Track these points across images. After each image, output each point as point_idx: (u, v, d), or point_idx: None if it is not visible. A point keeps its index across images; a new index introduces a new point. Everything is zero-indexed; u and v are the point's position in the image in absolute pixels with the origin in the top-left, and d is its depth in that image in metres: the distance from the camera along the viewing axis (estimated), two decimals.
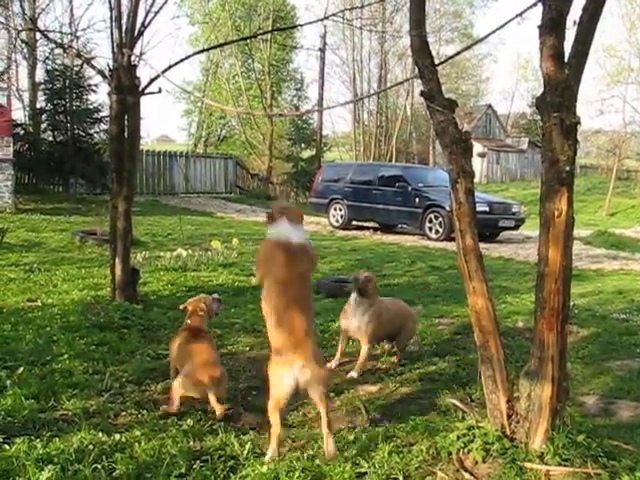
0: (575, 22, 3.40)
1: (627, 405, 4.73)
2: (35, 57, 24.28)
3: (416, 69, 3.89)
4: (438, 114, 3.72)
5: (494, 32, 4.16)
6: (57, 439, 3.74)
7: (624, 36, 41.23)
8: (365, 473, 3.45)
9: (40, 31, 10.26)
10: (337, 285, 8.63)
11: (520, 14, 3.76)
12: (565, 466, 3.40)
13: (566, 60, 3.37)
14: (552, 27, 3.29)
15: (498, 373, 3.72)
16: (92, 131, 22.56)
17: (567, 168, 3.38)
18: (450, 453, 3.67)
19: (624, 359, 5.91)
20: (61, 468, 3.36)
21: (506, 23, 3.86)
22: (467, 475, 3.45)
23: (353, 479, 3.38)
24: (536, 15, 3.39)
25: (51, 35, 11.32)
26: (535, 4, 3.47)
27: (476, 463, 3.56)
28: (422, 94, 3.79)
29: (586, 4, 3.41)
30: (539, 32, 3.34)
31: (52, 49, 22.47)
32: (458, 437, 3.73)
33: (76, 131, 21.94)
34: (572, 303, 6.36)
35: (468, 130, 3.95)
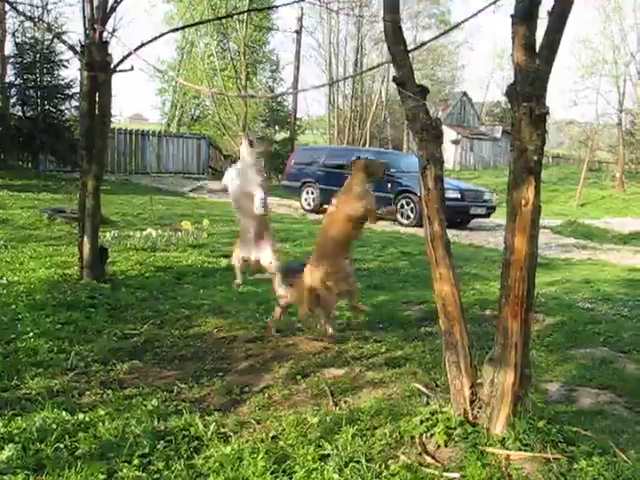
0: (548, 12, 3.42)
1: (589, 392, 4.80)
2: (4, 29, 23.78)
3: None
4: (409, 100, 3.72)
5: (466, 20, 4.17)
6: (19, 418, 3.72)
7: (599, 28, 41.70)
8: (328, 455, 3.47)
9: (8, 2, 10.02)
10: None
11: (494, 2, 3.77)
12: (525, 451, 3.46)
13: (537, 50, 3.38)
14: (524, 17, 3.30)
15: (462, 359, 3.76)
16: (63, 107, 22.24)
17: (535, 157, 3.40)
18: (413, 437, 3.71)
19: (588, 347, 5.99)
20: (22, 447, 3.34)
21: (480, 11, 3.86)
22: (429, 459, 3.49)
23: (316, 461, 3.40)
24: (512, 3, 3.40)
25: (20, 7, 11.09)
26: None
27: (438, 447, 3.60)
28: (394, 80, 3.79)
29: None
30: (511, 21, 3.35)
31: (22, 22, 22.07)
32: (421, 421, 3.78)
33: (46, 107, 21.61)
34: (538, 291, 6.45)
35: (440, 117, 3.97)
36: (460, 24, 4.70)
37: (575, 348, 5.96)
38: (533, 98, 3.36)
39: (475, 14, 3.96)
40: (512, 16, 3.36)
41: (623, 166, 38.46)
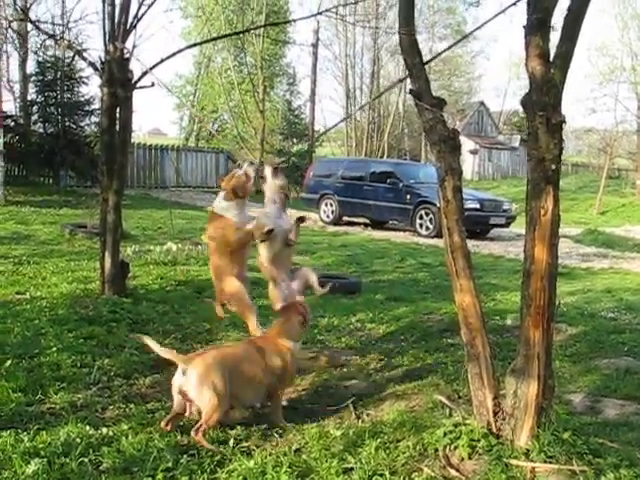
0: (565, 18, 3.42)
1: (613, 403, 4.75)
2: (26, 48, 24.10)
3: None
4: (426, 112, 3.72)
5: (477, 29, 4.18)
6: (44, 432, 3.74)
7: (617, 35, 41.49)
8: (352, 469, 3.46)
9: (31, 22, 10.20)
10: (326, 281, 8.64)
11: (502, 11, 3.78)
12: (550, 463, 3.42)
13: (552, 59, 3.38)
14: (538, 26, 3.31)
15: (484, 370, 3.74)
16: (83, 124, 22.46)
17: (553, 166, 3.39)
18: (437, 449, 3.68)
19: (611, 357, 5.93)
20: (47, 461, 3.36)
21: (488, 21, 3.88)
22: (453, 471, 3.47)
23: (340, 474, 3.39)
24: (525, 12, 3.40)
25: (42, 26, 11.22)
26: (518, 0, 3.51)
27: (462, 460, 3.57)
28: (411, 92, 3.80)
29: (571, 4, 3.42)
30: (525, 31, 3.36)
31: (43, 40, 22.30)
32: (445, 434, 3.75)
33: (67, 123, 21.82)
34: (560, 301, 6.39)
35: (458, 128, 3.98)
36: (469, 35, 4.71)
37: (599, 358, 5.91)
38: (549, 107, 3.35)
39: (484, 23, 3.97)
40: (525, 26, 3.37)
41: None
